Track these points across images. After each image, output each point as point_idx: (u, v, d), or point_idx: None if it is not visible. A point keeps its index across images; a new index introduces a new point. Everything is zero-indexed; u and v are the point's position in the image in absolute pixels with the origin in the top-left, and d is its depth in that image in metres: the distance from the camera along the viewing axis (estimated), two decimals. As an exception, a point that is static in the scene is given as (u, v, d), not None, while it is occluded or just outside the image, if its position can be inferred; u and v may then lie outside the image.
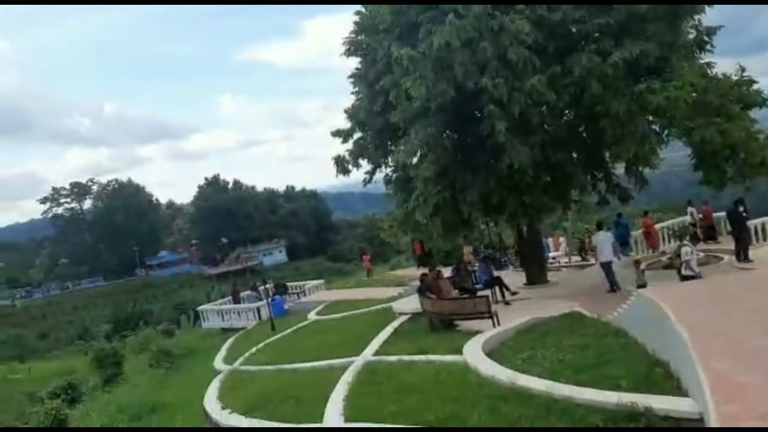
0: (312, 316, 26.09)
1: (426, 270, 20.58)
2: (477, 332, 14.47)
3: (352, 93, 20.79)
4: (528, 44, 15.81)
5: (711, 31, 17.54)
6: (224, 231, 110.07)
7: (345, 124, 21.25)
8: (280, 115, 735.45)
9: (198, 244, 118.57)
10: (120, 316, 67.17)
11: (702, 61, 17.74)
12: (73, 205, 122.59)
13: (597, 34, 16.55)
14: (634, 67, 15.96)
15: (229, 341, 25.83)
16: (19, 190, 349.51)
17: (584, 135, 18.71)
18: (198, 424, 14.48)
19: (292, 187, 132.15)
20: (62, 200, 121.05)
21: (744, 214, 19.62)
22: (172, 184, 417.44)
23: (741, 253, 18.57)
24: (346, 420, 10.76)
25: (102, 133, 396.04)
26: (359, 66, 20.25)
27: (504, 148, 16.10)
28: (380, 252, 73.39)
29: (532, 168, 16.75)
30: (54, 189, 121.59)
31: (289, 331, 23.72)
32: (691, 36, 17.80)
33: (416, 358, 13.67)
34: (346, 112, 21.10)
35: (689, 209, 26.36)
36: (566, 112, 18.15)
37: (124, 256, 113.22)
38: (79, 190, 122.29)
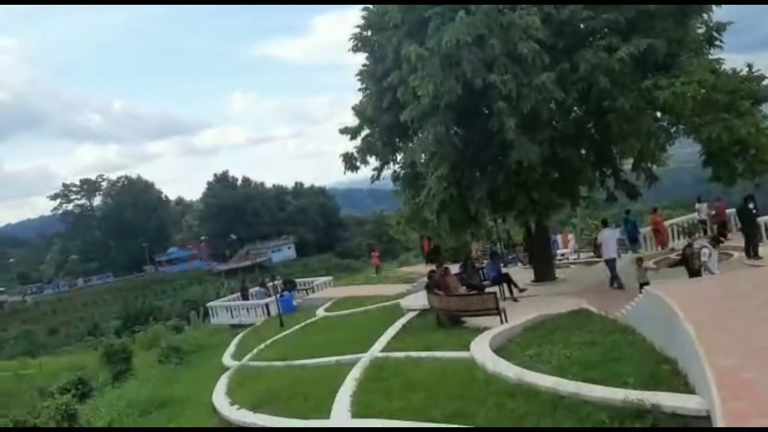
0: (320, 312, 26.13)
1: (434, 267, 20.58)
2: (484, 329, 14.46)
3: (360, 90, 20.78)
4: (538, 39, 15.76)
5: (720, 28, 17.43)
6: (233, 227, 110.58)
7: (353, 121, 21.26)
8: (289, 111, 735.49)
9: (207, 241, 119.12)
10: (129, 312, 67.59)
11: (711, 58, 17.62)
12: (83, 201, 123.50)
13: (605, 30, 16.50)
14: (641, 62, 15.90)
15: (238, 337, 25.93)
16: (31, 186, 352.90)
17: (592, 131, 18.66)
18: (206, 420, 14.53)
19: (301, 184, 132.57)
20: (72, 197, 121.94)
21: (754, 211, 19.52)
22: (182, 181, 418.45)
23: (751, 249, 18.49)
24: (354, 416, 10.79)
25: (112, 130, 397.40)
26: (367, 62, 20.24)
27: (513, 144, 16.07)
28: (388, 249, 73.43)
29: (540, 165, 16.72)
30: (64, 185, 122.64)
31: (297, 327, 23.78)
32: (700, 31, 17.69)
33: (423, 354, 13.68)
34: (354, 109, 21.09)
35: (697, 206, 26.23)
36: (574, 108, 18.10)
37: (134, 252, 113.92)
38: (89, 187, 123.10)
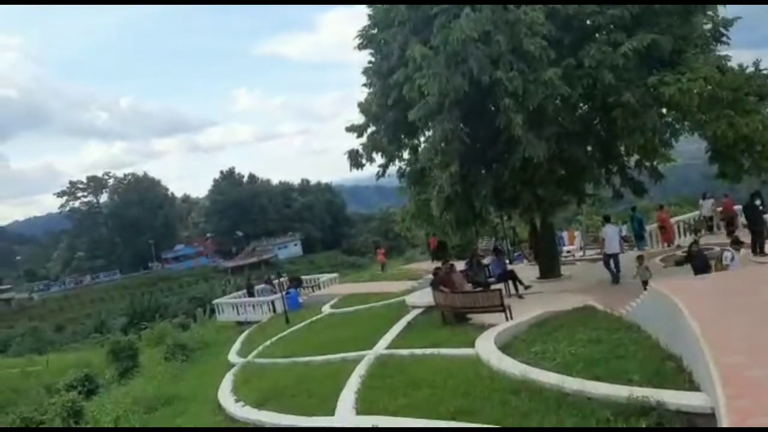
0: (326, 309, 26.16)
1: (440, 264, 20.56)
2: (490, 326, 14.46)
3: (364, 85, 20.74)
4: (543, 35, 15.72)
5: (727, 24, 17.35)
6: (239, 224, 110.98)
7: (359, 118, 21.25)
8: (295, 108, 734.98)
9: (213, 238, 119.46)
10: (136, 309, 67.73)
11: (718, 54, 17.54)
12: (90, 198, 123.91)
13: (611, 26, 16.45)
14: (646, 58, 15.85)
15: (244, 334, 25.99)
16: (38, 184, 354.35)
17: (598, 128, 18.60)
18: (212, 417, 14.57)
19: (307, 181, 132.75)
20: (79, 194, 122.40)
21: (761, 208, 19.45)
22: (188, 178, 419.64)
23: (757, 246, 18.42)
24: (358, 413, 10.80)
25: (119, 127, 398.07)
26: (372, 59, 20.21)
27: (520, 141, 16.02)
28: (394, 245, 73.55)
29: (546, 161, 16.68)
30: (71, 183, 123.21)
31: (303, 324, 23.82)
32: (707, 27, 17.61)
33: (428, 351, 13.67)
34: (359, 106, 21.07)
35: (701, 202, 26.12)
36: (580, 105, 18.06)
37: (140, 249, 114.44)
38: (95, 184, 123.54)
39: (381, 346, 15.50)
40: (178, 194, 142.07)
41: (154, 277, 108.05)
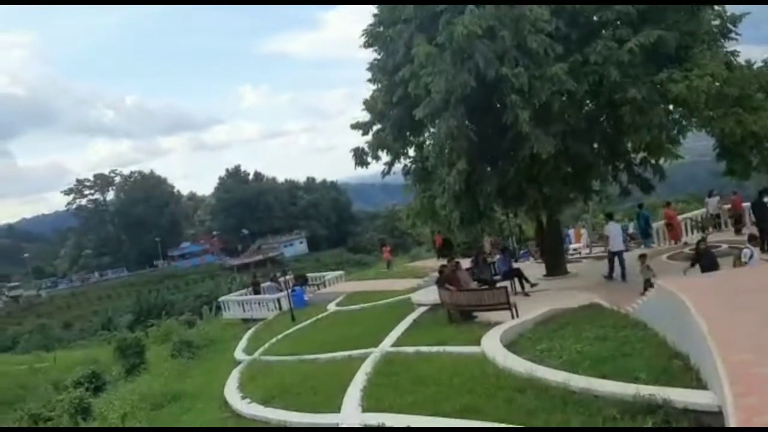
0: (332, 307, 26.18)
1: (445, 261, 20.54)
2: (496, 323, 14.43)
3: (369, 80, 20.71)
4: (548, 32, 15.67)
5: (735, 20, 17.24)
6: (245, 222, 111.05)
7: (365, 116, 21.20)
8: (301, 106, 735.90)
9: (219, 235, 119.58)
10: (143, 306, 67.99)
11: (726, 50, 17.43)
12: (97, 196, 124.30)
13: (617, 22, 16.39)
14: (652, 54, 15.77)
15: (250, 332, 26.02)
16: (45, 182, 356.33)
17: (605, 125, 18.53)
18: (218, 413, 14.60)
19: (313, 179, 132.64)
20: (86, 192, 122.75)
21: (769, 205, 19.33)
22: (194, 176, 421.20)
23: (765, 244, 18.31)
24: (364, 410, 10.80)
25: (125, 125, 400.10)
26: (378, 57, 20.19)
27: (527, 137, 15.96)
28: (400, 243, 73.57)
29: (552, 158, 16.62)
30: (78, 181, 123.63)
31: (308, 322, 23.83)
32: (715, 23, 17.50)
33: (434, 349, 13.67)
34: (365, 103, 21.04)
35: (707, 200, 26.02)
36: (587, 102, 17.99)
37: (146, 247, 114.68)
38: (102, 182, 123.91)
39: (387, 344, 15.50)
40: (184, 192, 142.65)
41: (160, 274, 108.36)
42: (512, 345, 12.55)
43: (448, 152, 17.70)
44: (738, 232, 23.15)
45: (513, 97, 15.60)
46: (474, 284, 18.66)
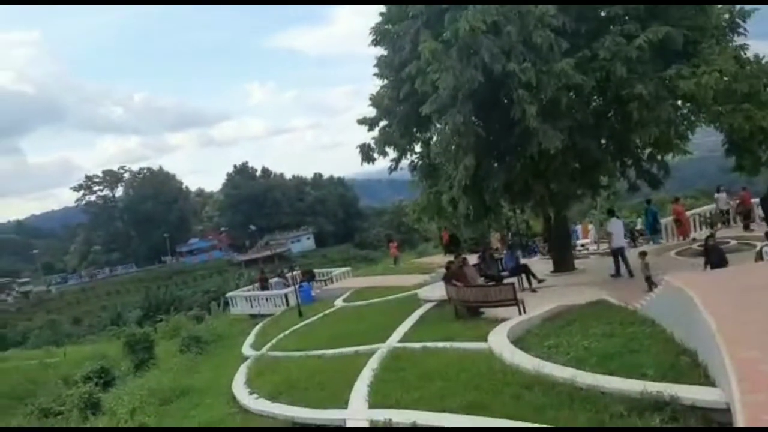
0: (339, 302, 26.22)
1: (452, 257, 20.52)
2: (503, 320, 14.40)
3: (375, 75, 20.69)
4: (554, 27, 15.60)
5: (745, 15, 17.11)
6: (253, 218, 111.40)
7: (371, 111, 21.20)
8: (308, 102, 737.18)
9: (227, 231, 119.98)
10: (151, 302, 68.24)
11: (735, 44, 17.30)
12: (106, 192, 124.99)
13: (625, 17, 16.31)
14: (660, 50, 15.69)
15: (257, 327, 26.07)
16: (54, 178, 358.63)
17: (612, 120, 18.44)
18: (226, 408, 14.64)
19: (320, 175, 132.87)
20: (95, 188, 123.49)
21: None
22: (202, 172, 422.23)
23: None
24: (371, 406, 10.81)
25: (133, 121, 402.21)
26: (384, 53, 20.16)
27: (534, 133, 15.90)
28: (407, 239, 73.56)
29: (560, 154, 16.57)
30: (87, 177, 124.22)
31: (315, 317, 23.88)
32: (725, 16, 17.37)
33: (441, 345, 13.66)
34: (371, 99, 21.03)
35: (716, 195, 25.91)
36: (594, 97, 17.92)
37: (155, 243, 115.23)
38: (111, 178, 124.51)
39: (394, 340, 15.51)
40: (193, 188, 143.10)
41: (168, 270, 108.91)
42: (519, 341, 12.52)
43: (455, 148, 17.65)
44: (747, 228, 23.07)
45: (520, 92, 15.54)
46: (481, 280, 18.65)
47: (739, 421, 5.98)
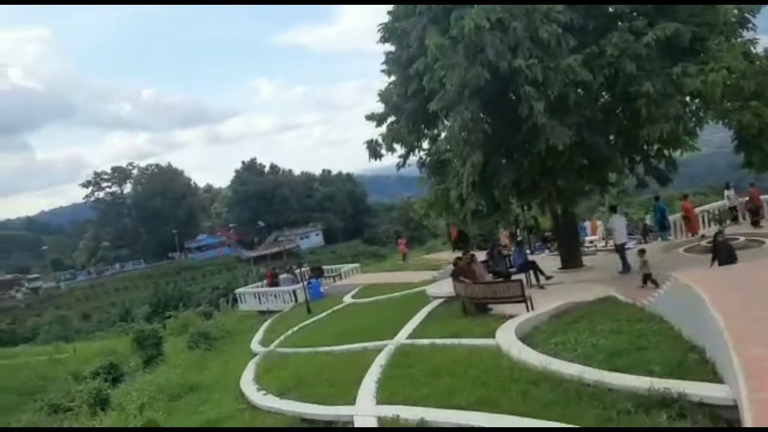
0: (347, 299, 26.26)
1: (460, 254, 20.51)
2: (510, 316, 14.43)
3: (383, 71, 20.66)
4: (561, 23, 15.54)
5: (755, 10, 16.99)
6: (261, 214, 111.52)
7: (379, 107, 21.18)
8: (316, 98, 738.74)
9: (236, 228, 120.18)
10: (160, 298, 68.60)
11: (745, 39, 17.16)
12: (114, 189, 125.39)
13: (633, 14, 16.24)
14: (668, 47, 15.61)
15: (266, 324, 26.17)
16: (63, 175, 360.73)
17: (621, 117, 18.37)
18: (234, 405, 14.70)
19: (328, 171, 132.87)
20: (103, 184, 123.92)
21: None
22: (210, 168, 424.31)
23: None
24: (378, 403, 10.86)
25: (142, 118, 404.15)
26: (392, 50, 20.14)
27: (542, 129, 15.87)
28: (416, 235, 73.41)
29: (567, 150, 16.52)
30: (95, 173, 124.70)
31: (324, 314, 23.93)
32: (735, 11, 17.25)
33: (449, 341, 13.68)
34: (379, 95, 21.02)
35: (726, 192, 25.83)
36: (603, 94, 17.85)
37: (163, 239, 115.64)
38: (119, 175, 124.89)
39: (402, 336, 15.55)
40: (201, 184, 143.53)
41: (177, 266, 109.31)
42: (527, 338, 12.54)
43: (463, 145, 17.63)
44: (755, 224, 22.96)
45: (527, 88, 15.48)
46: (489, 277, 18.65)
47: (747, 419, 5.98)
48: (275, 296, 31.94)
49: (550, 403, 8.86)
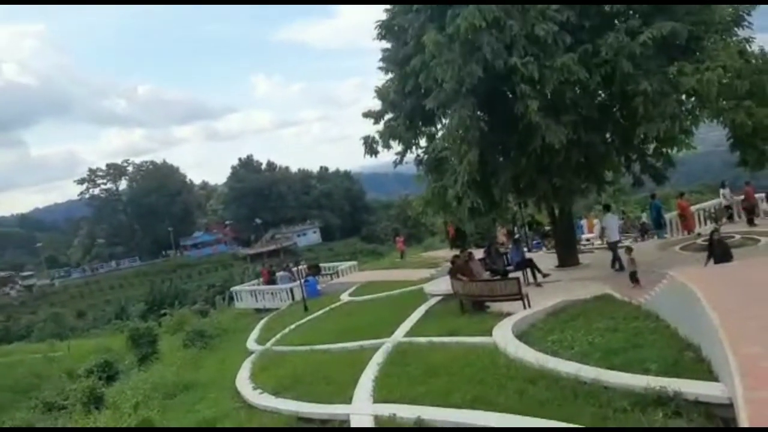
0: (345, 297, 26.27)
1: (458, 252, 20.52)
2: (507, 314, 14.46)
3: (380, 68, 20.66)
4: (557, 21, 15.55)
5: (750, 8, 17.00)
6: (258, 212, 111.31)
7: (377, 104, 21.17)
8: (314, 95, 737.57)
9: (232, 225, 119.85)
10: (155, 296, 68.44)
11: (741, 38, 17.17)
12: (109, 185, 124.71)
13: (629, 12, 16.25)
14: (664, 46, 15.62)
15: (262, 322, 26.14)
16: (58, 171, 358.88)
17: (617, 115, 18.40)
18: (230, 404, 14.67)
19: (326, 168, 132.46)
20: (99, 181, 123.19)
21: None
22: (206, 165, 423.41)
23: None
24: (375, 401, 10.86)
25: (138, 114, 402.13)
26: (389, 47, 20.13)
27: (538, 127, 15.88)
28: (414, 233, 73.40)
29: (564, 149, 16.53)
30: (91, 170, 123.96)
31: (321, 312, 23.93)
32: (729, 10, 17.25)
33: (446, 339, 13.71)
34: (377, 92, 21.01)
35: (722, 191, 25.90)
36: (599, 92, 17.86)
37: (159, 236, 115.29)
38: (115, 171, 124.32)
39: (399, 334, 15.56)
40: (197, 181, 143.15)
41: (173, 264, 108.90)
42: (524, 336, 12.57)
43: (460, 142, 17.63)
44: (751, 222, 23.02)
45: (523, 86, 15.51)
46: (486, 275, 18.67)
47: (742, 418, 5.99)
48: (272, 294, 31.92)
49: (547, 401, 8.87)
